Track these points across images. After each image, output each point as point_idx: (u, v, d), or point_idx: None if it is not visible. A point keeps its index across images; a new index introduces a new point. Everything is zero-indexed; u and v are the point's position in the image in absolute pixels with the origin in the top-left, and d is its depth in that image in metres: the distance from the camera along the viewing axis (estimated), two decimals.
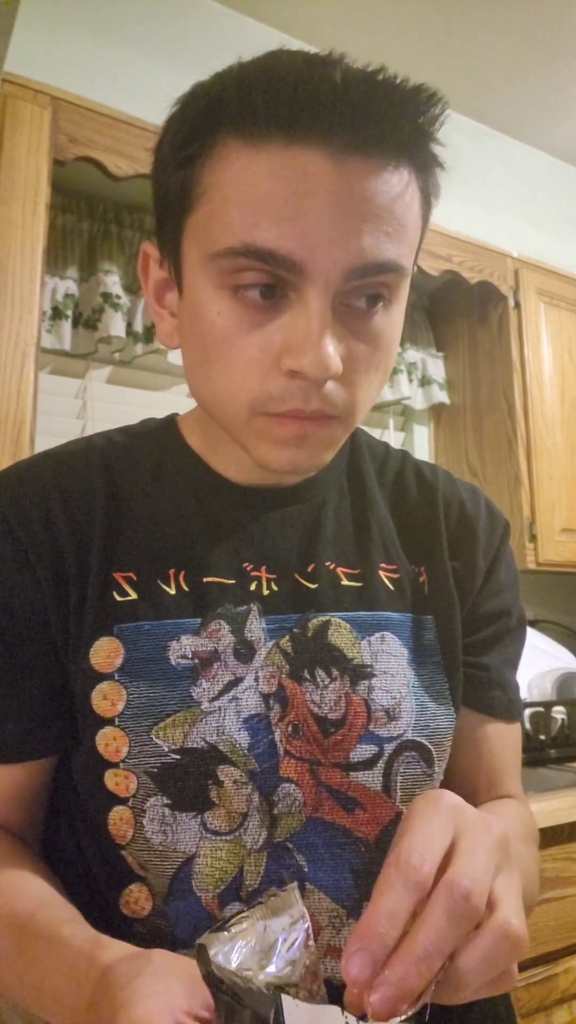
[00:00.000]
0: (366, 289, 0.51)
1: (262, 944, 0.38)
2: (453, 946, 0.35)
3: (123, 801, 0.55)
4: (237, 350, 0.51)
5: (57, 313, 1.61)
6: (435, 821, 0.38)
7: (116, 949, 0.46)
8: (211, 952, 0.35)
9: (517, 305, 2.00)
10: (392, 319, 0.54)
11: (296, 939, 0.39)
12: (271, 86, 0.47)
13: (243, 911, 0.39)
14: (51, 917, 0.51)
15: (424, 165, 0.52)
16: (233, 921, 0.38)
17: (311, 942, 0.39)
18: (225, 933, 0.37)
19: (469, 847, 0.37)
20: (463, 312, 2.15)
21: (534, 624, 2.12)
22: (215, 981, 0.34)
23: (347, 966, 0.34)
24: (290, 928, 0.39)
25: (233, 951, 0.36)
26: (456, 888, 0.35)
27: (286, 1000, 0.32)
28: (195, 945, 0.35)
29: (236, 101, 0.48)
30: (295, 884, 0.41)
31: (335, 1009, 0.32)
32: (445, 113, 0.50)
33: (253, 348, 0.51)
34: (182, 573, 0.60)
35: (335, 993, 0.36)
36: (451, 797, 0.40)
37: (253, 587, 0.60)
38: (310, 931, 0.39)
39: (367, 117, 0.47)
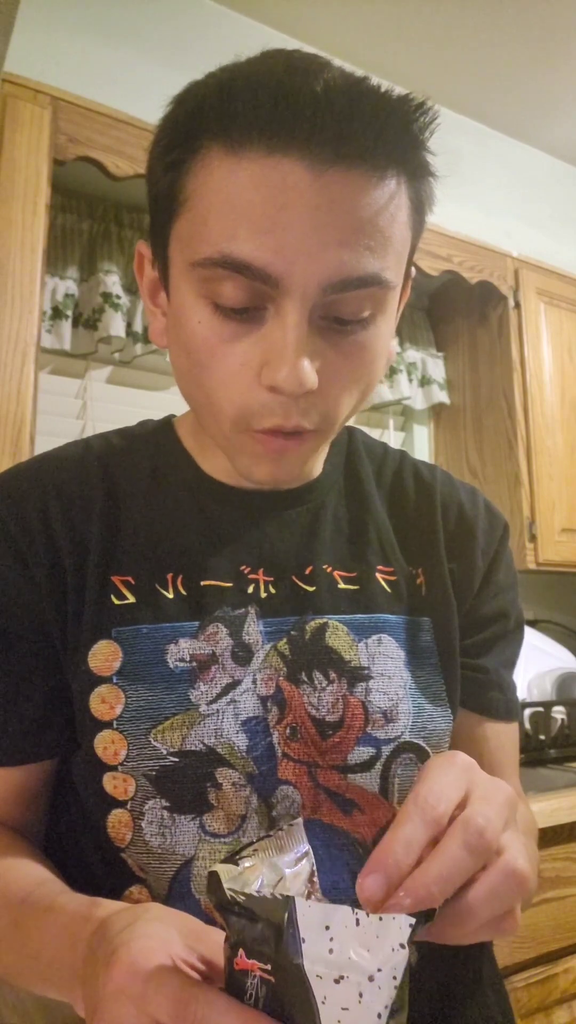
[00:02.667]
0: (347, 303, 0.50)
1: (269, 880, 0.39)
2: (465, 876, 0.36)
3: (122, 804, 0.55)
4: (219, 360, 0.51)
5: (57, 313, 1.61)
6: (451, 771, 0.40)
7: (112, 906, 0.46)
8: (223, 882, 0.35)
9: (517, 305, 2.00)
10: (377, 332, 0.53)
11: (302, 874, 0.40)
12: (251, 94, 0.46)
13: (252, 843, 0.39)
14: (48, 891, 0.52)
15: (414, 174, 0.51)
16: (244, 854, 0.38)
17: (315, 877, 0.40)
18: (235, 867, 0.38)
19: (483, 796, 0.39)
20: (463, 312, 2.14)
21: (534, 624, 2.12)
22: (228, 905, 0.34)
23: (362, 885, 0.35)
24: (295, 863, 0.40)
25: (243, 889, 0.37)
26: (472, 823, 0.37)
27: (299, 901, 0.32)
28: (207, 874, 0.36)
29: (217, 108, 0.47)
30: (300, 820, 0.41)
31: (346, 908, 0.32)
32: (436, 122, 0.50)
33: (234, 359, 0.51)
34: (180, 577, 0.60)
35: None
36: (465, 757, 0.42)
37: (251, 590, 0.60)
38: (315, 866, 0.41)
39: (349, 128, 0.46)
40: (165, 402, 1.77)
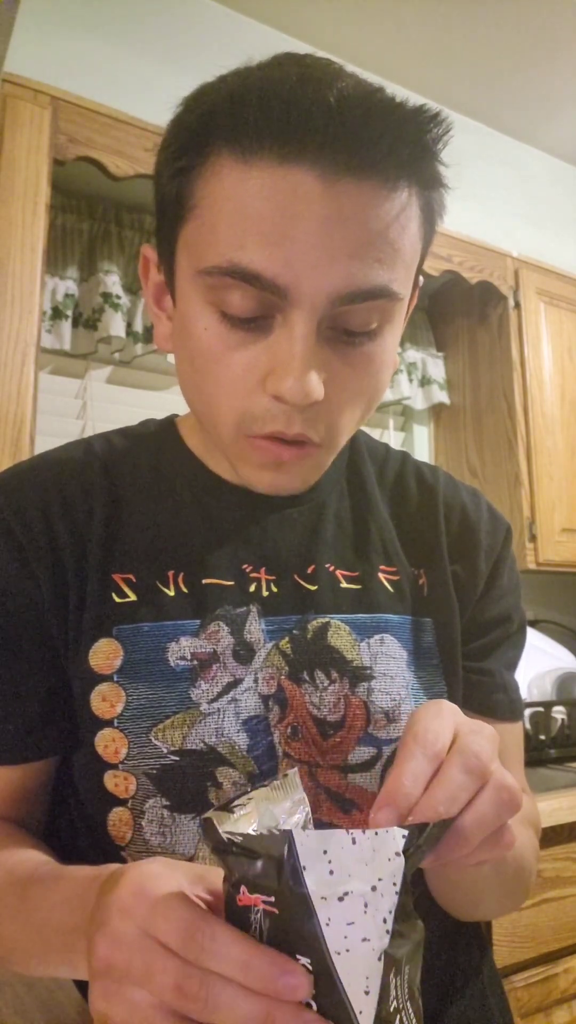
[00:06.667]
0: (356, 314, 0.50)
1: (264, 826, 0.39)
2: (468, 796, 0.39)
3: (122, 802, 0.55)
4: (223, 367, 0.51)
5: (57, 313, 1.61)
6: (442, 713, 0.43)
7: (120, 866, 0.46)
8: (219, 828, 0.36)
9: (517, 305, 2.00)
10: (384, 343, 0.53)
11: (296, 821, 0.41)
12: (263, 103, 0.46)
13: (247, 792, 0.40)
14: (55, 867, 0.52)
15: (426, 185, 0.51)
16: (238, 802, 0.38)
17: (310, 825, 0.41)
18: (230, 815, 0.38)
19: (471, 731, 0.42)
20: (463, 312, 2.14)
21: (534, 624, 2.12)
22: (225, 847, 0.35)
23: (375, 819, 0.37)
24: (290, 811, 0.41)
25: (237, 831, 0.37)
26: (468, 749, 0.40)
27: (296, 832, 0.33)
28: (201, 821, 0.36)
29: (229, 117, 0.47)
30: (296, 770, 0.43)
31: (340, 831, 0.34)
32: (449, 134, 0.49)
33: (239, 366, 0.51)
34: (181, 575, 0.60)
35: None
36: (449, 704, 0.44)
37: (252, 588, 0.60)
38: (309, 814, 0.42)
39: (361, 139, 0.46)
40: (165, 402, 1.77)
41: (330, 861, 0.33)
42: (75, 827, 0.61)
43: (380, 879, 0.33)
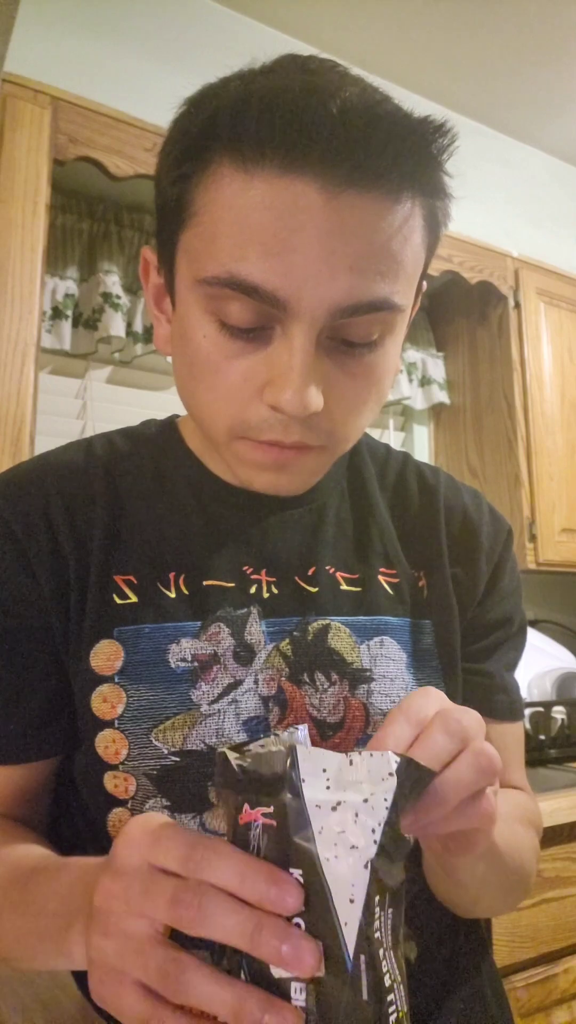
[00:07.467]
0: (356, 326, 0.49)
1: None
2: (447, 757, 0.40)
3: (123, 803, 0.56)
4: (221, 376, 0.51)
5: (57, 313, 1.61)
6: (429, 695, 0.44)
7: None
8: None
9: (517, 305, 2.00)
10: (385, 352, 0.53)
11: None
12: (266, 112, 0.45)
13: (257, 739, 0.41)
14: (58, 858, 0.52)
15: (430, 195, 0.50)
16: (250, 747, 0.39)
17: None
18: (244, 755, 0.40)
19: (456, 708, 0.43)
20: (463, 312, 2.15)
21: (534, 624, 2.12)
22: (234, 777, 0.37)
23: None
24: None
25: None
26: (449, 714, 0.41)
27: (299, 748, 0.35)
28: (216, 755, 0.38)
29: (230, 125, 0.46)
30: (304, 727, 0.43)
31: (340, 754, 0.36)
32: (454, 144, 0.49)
33: (237, 375, 0.50)
34: (182, 576, 0.60)
35: None
36: (437, 691, 0.45)
37: (253, 590, 0.61)
38: None
39: (365, 151, 0.45)
40: (165, 402, 1.77)
41: (328, 778, 0.35)
42: (76, 827, 0.61)
43: (372, 794, 0.35)
